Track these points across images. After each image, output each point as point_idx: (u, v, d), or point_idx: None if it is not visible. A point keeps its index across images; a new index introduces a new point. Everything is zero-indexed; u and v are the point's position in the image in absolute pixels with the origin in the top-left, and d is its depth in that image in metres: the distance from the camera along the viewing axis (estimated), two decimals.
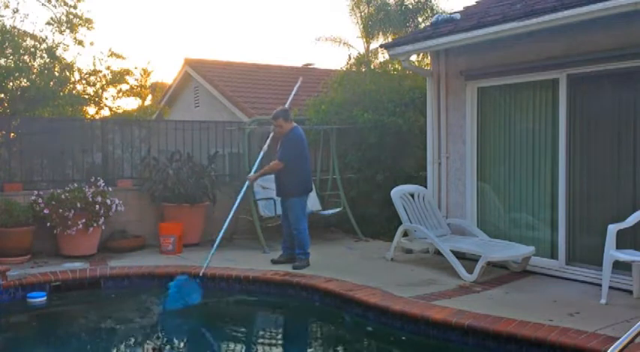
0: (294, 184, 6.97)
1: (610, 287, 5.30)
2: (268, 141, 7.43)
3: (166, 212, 8.41)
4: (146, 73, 10.95)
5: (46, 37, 9.70)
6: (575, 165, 6.26)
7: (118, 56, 10.15)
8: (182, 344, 5.17)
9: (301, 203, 7.04)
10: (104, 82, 10.06)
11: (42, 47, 9.52)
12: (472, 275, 6.12)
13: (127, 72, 10.19)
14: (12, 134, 8.65)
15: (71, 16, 10.07)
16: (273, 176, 7.25)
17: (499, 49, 6.79)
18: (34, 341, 5.27)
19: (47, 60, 9.49)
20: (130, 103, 26.12)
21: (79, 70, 9.93)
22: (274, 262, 7.02)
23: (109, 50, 10.09)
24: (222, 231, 6.77)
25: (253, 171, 7.28)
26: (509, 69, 6.78)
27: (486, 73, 7.03)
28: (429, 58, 8.63)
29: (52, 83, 9.34)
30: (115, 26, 37.19)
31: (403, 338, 5.02)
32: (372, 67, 12.42)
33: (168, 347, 5.07)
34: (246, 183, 7.27)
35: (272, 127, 7.36)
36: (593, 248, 5.85)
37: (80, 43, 10.11)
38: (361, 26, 19.30)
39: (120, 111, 10.47)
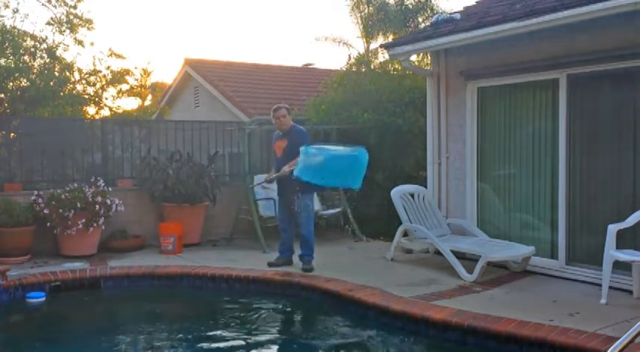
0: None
1: (610, 287, 5.30)
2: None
3: (166, 212, 8.41)
4: (146, 73, 10.92)
5: (46, 37, 9.71)
6: (575, 165, 6.25)
7: (118, 56, 10.15)
8: (184, 345, 5.16)
9: (312, 200, 7.00)
10: (104, 82, 10.05)
11: (42, 47, 9.52)
12: (472, 275, 6.12)
13: (127, 72, 10.19)
14: (12, 134, 8.65)
15: (71, 17, 10.07)
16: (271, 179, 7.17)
17: (499, 49, 6.78)
18: (31, 342, 5.26)
19: (47, 60, 9.48)
20: (130, 103, 26.13)
21: (79, 70, 9.93)
22: (270, 265, 6.91)
23: (109, 50, 10.09)
24: None
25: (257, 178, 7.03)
26: (509, 69, 6.78)
27: (486, 73, 7.03)
28: (429, 58, 8.63)
29: (52, 83, 9.34)
30: (115, 26, 37.21)
31: (403, 338, 5.01)
32: (372, 67, 12.40)
33: (166, 347, 5.06)
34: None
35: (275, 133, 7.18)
36: (593, 248, 5.85)
37: (80, 43, 10.11)
38: (361, 26, 19.35)
39: (120, 111, 10.46)
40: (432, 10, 18.03)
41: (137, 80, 10.52)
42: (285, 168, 6.65)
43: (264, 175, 7.91)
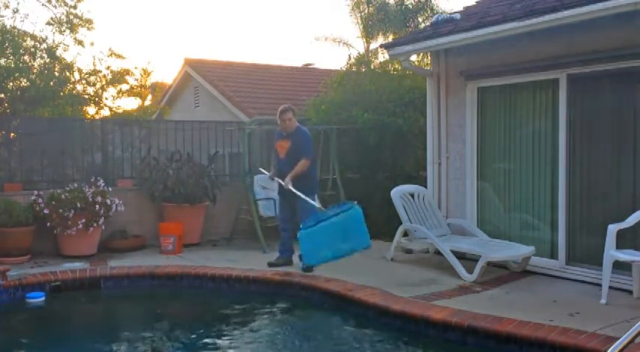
0: (306, 182, 6.82)
1: (610, 287, 5.29)
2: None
3: (166, 212, 8.41)
4: (146, 73, 10.93)
5: (46, 37, 9.72)
6: (575, 165, 6.25)
7: (118, 56, 10.16)
8: (183, 346, 5.17)
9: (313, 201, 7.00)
10: (104, 82, 10.06)
11: (42, 47, 9.53)
12: (472, 275, 6.12)
13: (127, 72, 10.19)
14: (12, 134, 8.65)
15: (71, 17, 10.08)
16: (272, 179, 7.18)
17: (499, 49, 6.78)
18: (31, 342, 5.26)
19: (47, 60, 9.49)
20: (130, 103, 26.18)
21: (79, 70, 9.94)
22: (270, 265, 6.91)
23: (109, 50, 10.10)
24: None
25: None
26: (509, 69, 6.78)
27: (486, 73, 7.03)
28: (429, 58, 8.63)
29: (52, 83, 9.34)
30: (115, 26, 37.23)
31: (403, 338, 5.01)
32: (372, 67, 12.41)
33: (166, 348, 5.07)
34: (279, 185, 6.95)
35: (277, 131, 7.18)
36: (593, 248, 5.85)
37: (80, 43, 10.11)
38: (361, 26, 19.35)
39: (120, 111, 10.47)
40: (432, 10, 18.03)
41: (137, 80, 10.53)
42: (287, 181, 6.67)
43: (265, 174, 7.87)
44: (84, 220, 7.40)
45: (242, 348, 5.02)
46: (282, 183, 6.76)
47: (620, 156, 5.91)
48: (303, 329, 5.54)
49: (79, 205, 7.37)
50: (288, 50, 40.77)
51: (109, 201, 7.66)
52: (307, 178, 6.80)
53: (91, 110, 10.70)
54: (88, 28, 10.20)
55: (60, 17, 10.06)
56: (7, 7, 9.61)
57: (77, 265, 6.96)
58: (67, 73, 9.70)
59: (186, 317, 5.98)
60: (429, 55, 8.92)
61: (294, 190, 6.62)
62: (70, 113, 9.94)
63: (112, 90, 10.27)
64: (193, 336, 5.29)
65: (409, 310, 5.11)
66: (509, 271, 6.52)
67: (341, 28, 43.83)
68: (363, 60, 13.22)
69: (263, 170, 7.54)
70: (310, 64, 18.56)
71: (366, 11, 19.16)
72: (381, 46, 10.30)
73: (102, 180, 7.95)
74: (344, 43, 19.91)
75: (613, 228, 5.31)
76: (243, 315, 5.85)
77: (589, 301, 5.33)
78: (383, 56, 14.96)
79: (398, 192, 7.21)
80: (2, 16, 9.52)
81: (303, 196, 6.54)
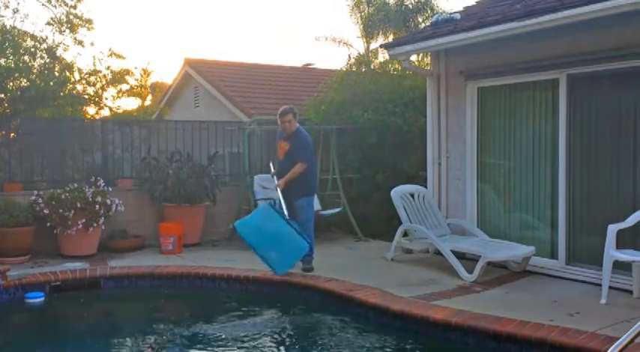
0: (306, 183, 6.84)
1: (610, 287, 5.30)
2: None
3: (166, 212, 8.41)
4: (146, 73, 10.98)
5: (46, 38, 9.71)
6: (575, 165, 6.26)
7: (118, 56, 10.14)
8: (183, 346, 5.17)
9: (312, 203, 7.01)
10: (104, 82, 10.04)
11: (42, 47, 9.52)
12: (472, 275, 6.12)
13: (127, 72, 10.18)
14: (12, 134, 8.65)
15: (71, 17, 10.09)
16: (272, 176, 7.19)
17: (499, 49, 6.78)
18: (31, 342, 5.26)
19: (47, 60, 9.48)
20: (130, 103, 26.19)
21: (79, 70, 9.92)
22: None
23: (109, 50, 10.07)
24: None
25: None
26: (509, 69, 6.78)
27: (486, 73, 7.03)
28: (429, 58, 8.64)
29: (52, 83, 9.34)
30: (115, 26, 37.24)
31: (403, 338, 5.01)
32: (372, 67, 12.42)
33: (165, 348, 5.07)
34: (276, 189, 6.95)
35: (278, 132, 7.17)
36: (593, 248, 5.85)
37: (80, 43, 10.12)
38: (361, 26, 19.38)
39: (120, 111, 10.47)
40: (432, 10, 18.06)
41: (137, 80, 10.53)
42: (280, 184, 6.73)
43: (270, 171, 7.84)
44: (84, 220, 7.40)
45: (242, 348, 5.02)
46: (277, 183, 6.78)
47: (620, 156, 5.91)
48: (303, 330, 5.54)
49: (79, 205, 7.37)
50: (288, 50, 40.80)
51: (109, 201, 7.66)
52: (306, 179, 6.82)
53: (91, 110, 10.72)
54: (88, 28, 10.21)
55: (60, 17, 10.08)
56: (7, 7, 9.62)
57: (77, 265, 6.96)
58: (67, 73, 9.68)
59: (186, 317, 5.97)
60: (429, 55, 8.92)
61: (280, 196, 6.66)
62: (70, 113, 9.95)
63: (112, 91, 10.27)
64: (193, 336, 5.28)
65: (409, 310, 5.11)
66: (509, 271, 6.52)
67: (341, 28, 43.82)
68: (363, 60, 13.24)
69: (271, 165, 7.52)
70: (310, 64, 18.54)
71: (366, 11, 19.18)
72: (381, 46, 10.30)
73: (102, 180, 7.95)
74: (344, 43, 19.92)
75: (613, 228, 5.31)
76: (243, 315, 5.85)
77: (589, 301, 5.33)
78: (383, 56, 14.97)
79: (398, 192, 7.21)
80: (2, 16, 9.53)
81: (284, 206, 6.57)
